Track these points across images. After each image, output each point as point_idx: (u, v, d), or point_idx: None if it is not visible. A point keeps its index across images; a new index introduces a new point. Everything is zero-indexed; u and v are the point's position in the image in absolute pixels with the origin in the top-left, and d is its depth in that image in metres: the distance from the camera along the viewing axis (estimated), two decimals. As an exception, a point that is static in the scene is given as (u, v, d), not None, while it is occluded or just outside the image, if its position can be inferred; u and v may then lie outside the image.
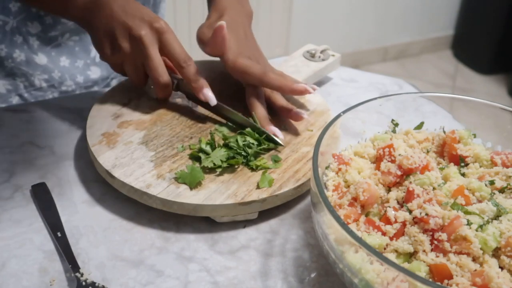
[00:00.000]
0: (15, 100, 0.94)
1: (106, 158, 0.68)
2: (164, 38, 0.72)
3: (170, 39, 0.72)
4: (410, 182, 0.56)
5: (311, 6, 2.73)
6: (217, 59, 0.86)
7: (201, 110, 0.79)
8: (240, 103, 0.80)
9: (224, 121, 0.77)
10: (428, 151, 0.64)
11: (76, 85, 0.97)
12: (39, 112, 0.83)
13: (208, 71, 0.89)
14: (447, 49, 3.36)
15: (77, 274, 0.56)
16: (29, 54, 0.91)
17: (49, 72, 0.94)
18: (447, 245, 0.49)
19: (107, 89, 0.84)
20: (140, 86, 0.77)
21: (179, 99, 0.81)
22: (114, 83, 1.02)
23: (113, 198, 0.68)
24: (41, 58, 0.92)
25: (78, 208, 0.66)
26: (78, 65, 0.96)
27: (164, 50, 0.72)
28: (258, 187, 0.65)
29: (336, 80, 0.98)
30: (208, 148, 0.69)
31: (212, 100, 0.74)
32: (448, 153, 0.62)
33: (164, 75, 0.73)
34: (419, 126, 0.68)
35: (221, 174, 0.67)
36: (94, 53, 0.98)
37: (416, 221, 0.52)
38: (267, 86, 0.75)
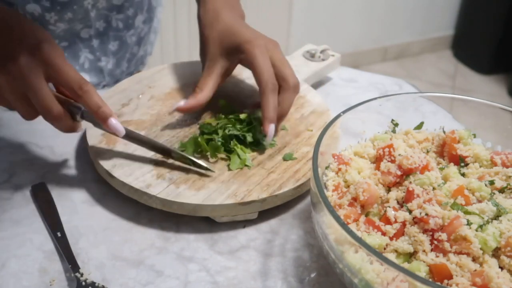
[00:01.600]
0: None
1: (106, 158, 0.68)
2: (51, 64, 0.60)
3: (58, 64, 0.61)
4: (410, 182, 0.56)
5: (311, 6, 2.73)
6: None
7: (201, 110, 0.79)
8: (239, 104, 0.80)
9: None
10: (428, 151, 0.64)
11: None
12: (39, 112, 0.83)
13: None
14: (447, 49, 3.36)
15: (77, 274, 0.56)
16: None
17: None
18: (447, 245, 0.49)
19: (104, 90, 0.84)
20: (31, 119, 0.65)
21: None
22: (105, 90, 1.00)
23: (113, 198, 0.68)
24: None
25: (78, 208, 0.66)
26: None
27: (52, 78, 0.62)
28: (229, 169, 0.67)
29: (336, 80, 0.98)
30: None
31: (120, 130, 0.64)
32: (448, 153, 0.62)
33: (52, 105, 0.61)
34: (419, 126, 0.68)
35: (221, 173, 0.67)
36: (83, 59, 0.94)
37: (416, 221, 0.52)
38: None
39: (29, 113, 0.64)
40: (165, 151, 0.68)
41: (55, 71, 0.61)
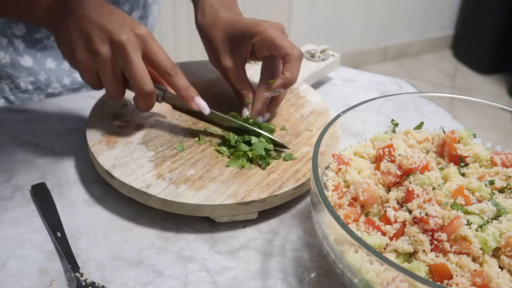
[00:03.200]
0: (0, 102, 0.93)
1: (106, 158, 0.68)
2: (148, 45, 0.67)
3: (154, 46, 0.67)
4: (410, 182, 0.56)
5: (311, 6, 2.73)
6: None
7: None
8: (239, 104, 0.80)
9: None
10: (428, 151, 0.64)
11: (62, 87, 0.96)
12: (39, 112, 0.83)
13: (207, 71, 0.89)
14: (447, 49, 3.36)
15: (77, 274, 0.56)
16: (14, 56, 0.90)
17: (34, 75, 0.93)
18: (447, 245, 0.49)
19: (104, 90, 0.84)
20: (117, 98, 0.70)
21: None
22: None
23: (113, 198, 0.68)
24: (26, 60, 0.91)
25: (78, 208, 0.66)
26: (65, 67, 0.95)
27: (148, 58, 0.67)
28: (227, 165, 0.68)
29: (336, 80, 0.98)
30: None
31: (205, 108, 0.71)
32: (448, 153, 0.62)
33: (149, 84, 0.66)
34: (419, 126, 0.68)
35: (221, 173, 0.67)
36: None
37: (416, 221, 0.52)
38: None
39: (119, 92, 0.69)
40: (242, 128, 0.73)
41: (152, 51, 0.67)
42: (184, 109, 0.74)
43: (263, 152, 0.69)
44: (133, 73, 0.65)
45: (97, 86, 0.69)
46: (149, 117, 0.77)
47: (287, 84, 0.72)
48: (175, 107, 0.74)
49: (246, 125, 0.73)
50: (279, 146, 0.72)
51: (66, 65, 0.95)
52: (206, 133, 0.74)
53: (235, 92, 0.78)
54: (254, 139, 0.70)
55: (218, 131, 0.74)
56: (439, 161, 0.63)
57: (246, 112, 0.76)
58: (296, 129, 0.77)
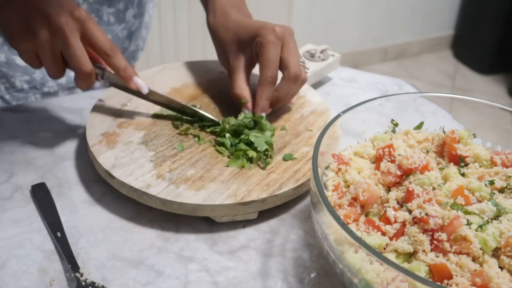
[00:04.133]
0: None
1: (106, 158, 0.68)
2: (87, 27, 0.67)
3: (92, 27, 0.68)
4: (410, 182, 0.56)
5: (311, 6, 2.73)
6: (216, 59, 0.86)
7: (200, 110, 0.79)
8: (240, 104, 0.80)
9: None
10: (427, 151, 0.64)
11: (58, 86, 0.96)
12: (39, 112, 0.83)
13: (207, 71, 0.89)
14: (447, 49, 3.36)
15: (77, 274, 0.56)
16: (9, 55, 0.90)
17: (30, 73, 0.93)
18: (447, 245, 0.49)
19: (104, 90, 0.84)
20: (58, 77, 0.71)
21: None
22: (98, 85, 1.01)
23: (113, 198, 0.68)
24: (21, 59, 0.91)
25: (77, 208, 0.66)
26: None
27: (87, 39, 0.68)
28: (227, 165, 0.68)
29: (336, 80, 0.98)
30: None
31: (143, 87, 0.72)
32: (448, 153, 0.62)
33: (87, 64, 0.68)
34: (419, 126, 0.68)
35: (221, 173, 0.67)
36: None
37: (416, 221, 0.52)
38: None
39: (59, 72, 0.70)
40: (183, 110, 0.76)
41: (91, 32, 0.68)
42: (123, 87, 0.74)
43: (266, 146, 0.69)
44: (71, 54, 0.67)
45: (37, 65, 0.71)
46: (149, 117, 0.77)
47: (273, 103, 0.76)
48: (114, 85, 0.75)
49: (188, 105, 0.75)
50: (212, 122, 0.75)
51: None
52: (206, 133, 0.74)
53: (231, 93, 0.78)
54: (253, 138, 0.70)
55: (170, 113, 0.77)
56: (439, 161, 0.63)
57: (244, 111, 0.76)
58: (296, 129, 0.77)
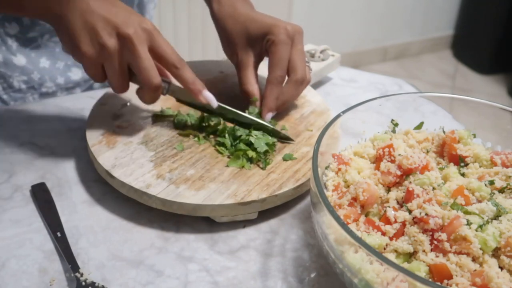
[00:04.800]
0: None
1: (105, 158, 0.68)
2: (154, 39, 0.67)
3: (161, 40, 0.68)
4: (410, 182, 0.56)
5: (311, 6, 2.73)
6: (216, 59, 0.86)
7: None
8: (239, 104, 0.80)
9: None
10: (427, 151, 0.64)
11: (56, 86, 0.96)
12: (39, 112, 0.83)
13: (207, 71, 0.89)
14: (447, 49, 3.36)
15: (77, 274, 0.56)
16: (7, 55, 0.90)
17: (28, 74, 0.92)
18: (447, 245, 0.49)
19: (104, 90, 0.84)
20: (122, 91, 0.70)
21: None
22: (97, 85, 1.00)
23: (113, 198, 0.68)
24: (19, 59, 0.91)
25: (77, 208, 0.66)
26: (59, 66, 0.95)
27: (154, 52, 0.67)
28: (227, 165, 0.68)
29: (336, 80, 0.98)
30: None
31: (213, 101, 0.72)
32: (448, 153, 0.62)
33: (156, 77, 0.67)
34: (419, 126, 0.68)
35: (221, 173, 0.67)
36: None
37: (416, 221, 0.52)
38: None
39: (124, 85, 0.69)
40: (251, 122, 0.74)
41: (158, 45, 0.67)
42: (189, 102, 0.74)
43: (266, 148, 0.69)
44: (140, 66, 0.66)
45: (100, 79, 0.69)
46: (149, 117, 0.77)
47: (278, 106, 0.76)
48: (179, 100, 0.75)
49: (252, 118, 0.74)
50: (284, 139, 0.73)
51: (60, 64, 0.95)
52: (208, 133, 0.74)
53: (241, 89, 0.78)
54: (253, 139, 0.70)
55: (215, 121, 0.75)
56: (439, 161, 0.63)
57: (255, 110, 0.76)
58: (296, 129, 0.77)
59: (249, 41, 0.77)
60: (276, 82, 0.74)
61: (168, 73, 0.72)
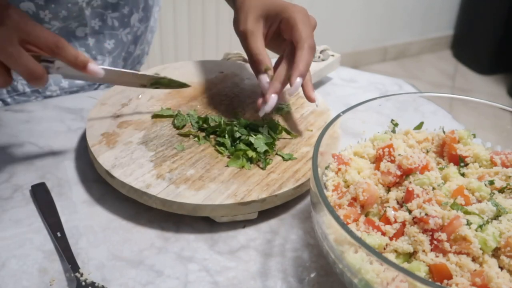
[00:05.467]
0: None
1: (105, 158, 0.68)
2: (23, 30, 0.62)
3: (30, 27, 0.63)
4: (410, 182, 0.56)
5: (311, 6, 2.73)
6: (216, 59, 0.86)
7: (200, 110, 0.79)
8: (240, 104, 0.80)
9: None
10: (427, 151, 0.64)
11: (61, 90, 0.95)
12: (39, 112, 0.83)
13: (207, 71, 0.89)
14: (446, 49, 3.36)
15: (77, 274, 0.56)
16: None
17: None
18: (446, 245, 0.49)
19: (104, 90, 0.84)
20: (7, 86, 0.66)
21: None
22: (101, 88, 1.00)
23: (113, 198, 0.68)
24: None
25: (77, 208, 0.66)
26: None
27: (27, 41, 0.63)
28: (227, 165, 0.68)
29: (336, 80, 0.98)
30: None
31: (99, 72, 0.68)
32: (448, 153, 0.62)
33: (36, 68, 0.64)
34: (419, 126, 0.68)
35: (221, 173, 0.67)
36: None
37: (415, 221, 0.52)
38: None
39: (6, 81, 0.65)
40: (144, 79, 0.74)
41: (29, 33, 0.63)
42: (78, 76, 0.70)
43: (266, 147, 0.69)
44: (17, 65, 0.63)
45: None
46: (149, 117, 0.77)
47: (302, 72, 0.70)
48: (67, 76, 0.70)
49: (151, 75, 0.74)
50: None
51: None
52: (208, 133, 0.74)
53: (250, 59, 0.75)
54: (252, 139, 0.70)
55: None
56: (439, 161, 0.63)
57: (266, 79, 0.72)
58: (296, 129, 0.77)
59: (264, 14, 0.75)
60: (308, 46, 0.71)
61: None
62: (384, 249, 0.52)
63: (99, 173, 0.69)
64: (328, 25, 2.84)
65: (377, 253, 0.44)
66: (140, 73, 0.75)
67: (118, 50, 0.98)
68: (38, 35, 0.64)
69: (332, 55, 0.96)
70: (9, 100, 0.93)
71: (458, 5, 3.23)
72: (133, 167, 0.67)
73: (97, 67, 0.68)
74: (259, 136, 0.71)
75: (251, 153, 0.69)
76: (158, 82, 0.75)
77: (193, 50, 2.33)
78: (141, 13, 1.00)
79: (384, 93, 0.95)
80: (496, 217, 0.53)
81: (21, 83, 0.92)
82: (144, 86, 0.76)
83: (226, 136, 0.72)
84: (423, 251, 0.50)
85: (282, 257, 0.61)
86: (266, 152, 0.70)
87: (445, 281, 0.48)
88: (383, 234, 0.52)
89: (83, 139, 0.77)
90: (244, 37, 0.75)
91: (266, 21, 0.75)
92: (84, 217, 0.65)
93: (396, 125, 0.67)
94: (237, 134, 0.72)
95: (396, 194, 0.56)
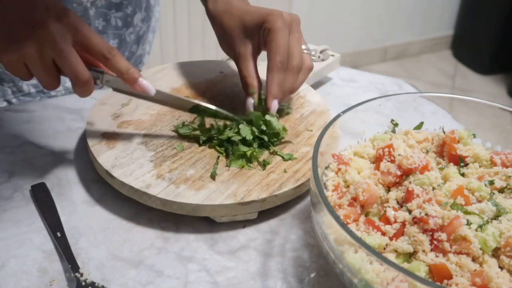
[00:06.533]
0: (2, 105, 0.92)
1: (105, 158, 0.68)
2: (78, 31, 0.62)
3: (85, 30, 0.62)
4: (410, 182, 0.56)
5: (311, 6, 2.73)
6: (216, 59, 0.86)
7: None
8: (239, 104, 0.80)
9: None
10: (427, 151, 0.64)
11: (65, 90, 0.95)
12: (39, 112, 0.83)
13: (207, 71, 0.89)
14: (446, 49, 3.36)
15: (77, 274, 0.56)
16: None
17: None
18: (446, 245, 0.49)
19: (104, 90, 0.84)
20: (53, 88, 0.65)
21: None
22: (102, 88, 1.00)
23: (113, 198, 0.68)
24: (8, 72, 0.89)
25: (77, 208, 0.66)
26: None
27: (80, 44, 0.63)
28: (227, 165, 0.68)
29: (336, 80, 0.98)
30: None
31: (150, 89, 0.66)
32: (448, 153, 0.62)
33: (83, 71, 0.62)
34: (419, 126, 0.68)
35: (221, 173, 0.67)
36: None
37: (415, 221, 0.52)
38: None
39: (53, 83, 0.65)
40: (194, 108, 0.73)
41: (84, 36, 0.62)
42: (126, 91, 0.69)
43: (251, 136, 0.69)
44: (64, 63, 0.62)
45: (27, 77, 0.65)
46: (149, 117, 0.77)
47: (275, 95, 0.73)
48: (116, 89, 0.69)
49: (203, 104, 0.72)
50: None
51: None
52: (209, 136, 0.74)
53: (241, 81, 0.76)
54: (241, 126, 0.70)
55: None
56: (439, 161, 0.63)
57: (251, 101, 0.74)
58: (296, 129, 0.77)
59: (246, 33, 0.75)
60: (276, 69, 0.72)
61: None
62: (384, 249, 0.52)
63: (99, 173, 0.69)
64: (328, 25, 2.84)
65: (377, 253, 0.44)
66: (192, 100, 0.73)
67: (121, 49, 0.98)
68: (93, 39, 0.63)
69: (332, 55, 0.96)
70: (14, 100, 0.93)
71: (458, 5, 3.23)
72: (133, 167, 0.67)
73: (148, 84, 0.66)
74: (243, 126, 0.71)
75: (249, 152, 0.68)
76: (205, 111, 0.73)
77: (193, 50, 2.33)
78: (143, 12, 1.00)
79: (384, 93, 0.95)
80: (496, 217, 0.53)
81: (26, 84, 0.92)
82: (192, 112, 0.74)
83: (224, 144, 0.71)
84: (423, 251, 0.50)
85: (282, 257, 0.61)
86: (276, 136, 0.70)
87: (445, 281, 0.48)
88: (383, 234, 0.52)
89: (83, 139, 0.77)
90: (235, 60, 0.78)
91: (252, 38, 0.76)
92: (84, 217, 0.65)
93: (396, 125, 0.67)
94: (225, 135, 0.71)
95: (396, 194, 0.56)
